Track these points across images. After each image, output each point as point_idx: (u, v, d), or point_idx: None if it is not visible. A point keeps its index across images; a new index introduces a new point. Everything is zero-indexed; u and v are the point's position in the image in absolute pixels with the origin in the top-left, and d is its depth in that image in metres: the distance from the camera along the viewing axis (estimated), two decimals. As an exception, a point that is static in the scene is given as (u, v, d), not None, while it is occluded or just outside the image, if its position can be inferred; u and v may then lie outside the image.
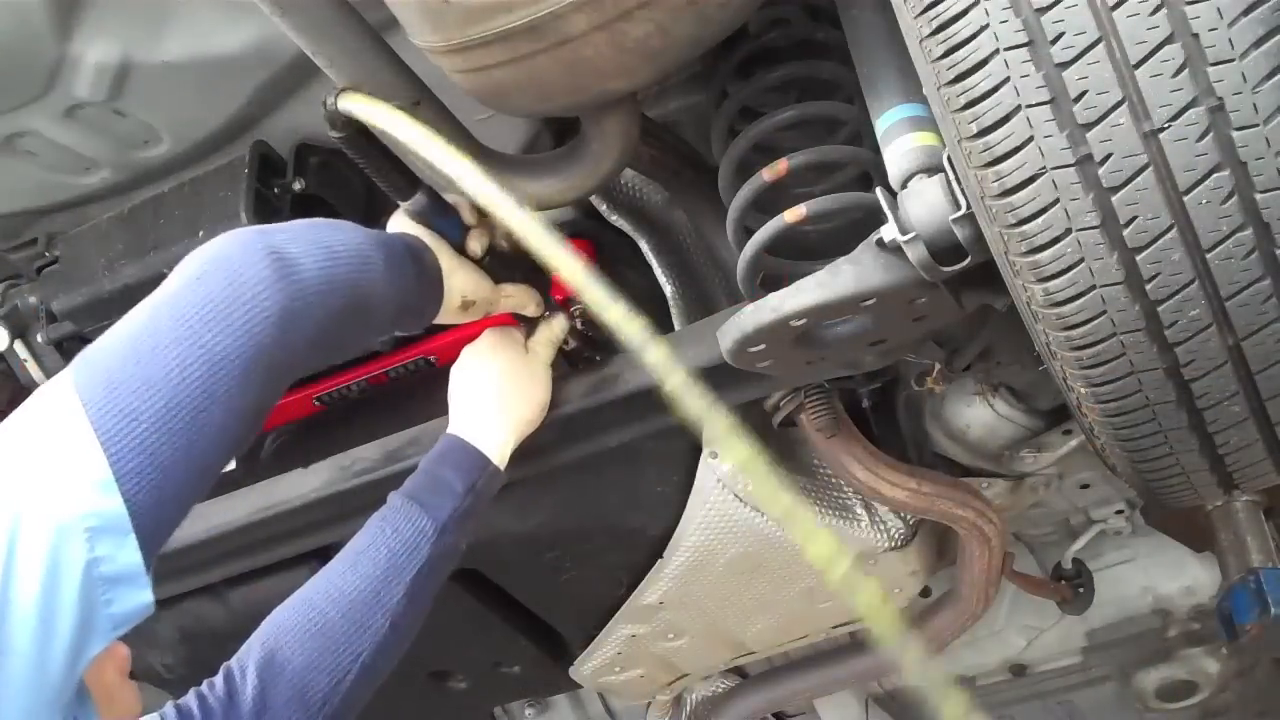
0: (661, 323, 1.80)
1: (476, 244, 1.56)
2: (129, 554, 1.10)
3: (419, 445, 1.76)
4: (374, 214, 1.82)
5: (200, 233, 1.64)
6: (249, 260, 1.27)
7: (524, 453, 1.77)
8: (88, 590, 1.07)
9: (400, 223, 1.54)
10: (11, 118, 1.56)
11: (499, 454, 1.61)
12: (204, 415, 1.19)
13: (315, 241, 1.33)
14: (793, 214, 1.38)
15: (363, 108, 1.37)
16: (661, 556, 1.98)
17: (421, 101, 1.42)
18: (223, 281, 1.24)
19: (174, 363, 1.18)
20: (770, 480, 1.28)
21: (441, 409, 1.71)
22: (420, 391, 1.97)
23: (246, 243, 1.29)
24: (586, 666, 2.23)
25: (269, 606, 1.67)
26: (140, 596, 1.11)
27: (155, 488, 1.13)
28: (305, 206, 1.70)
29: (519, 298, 1.64)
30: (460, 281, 1.53)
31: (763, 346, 1.44)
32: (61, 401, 1.13)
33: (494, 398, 1.63)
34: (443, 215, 1.53)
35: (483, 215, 1.56)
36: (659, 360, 1.22)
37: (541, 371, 1.68)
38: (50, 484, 1.08)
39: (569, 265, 1.23)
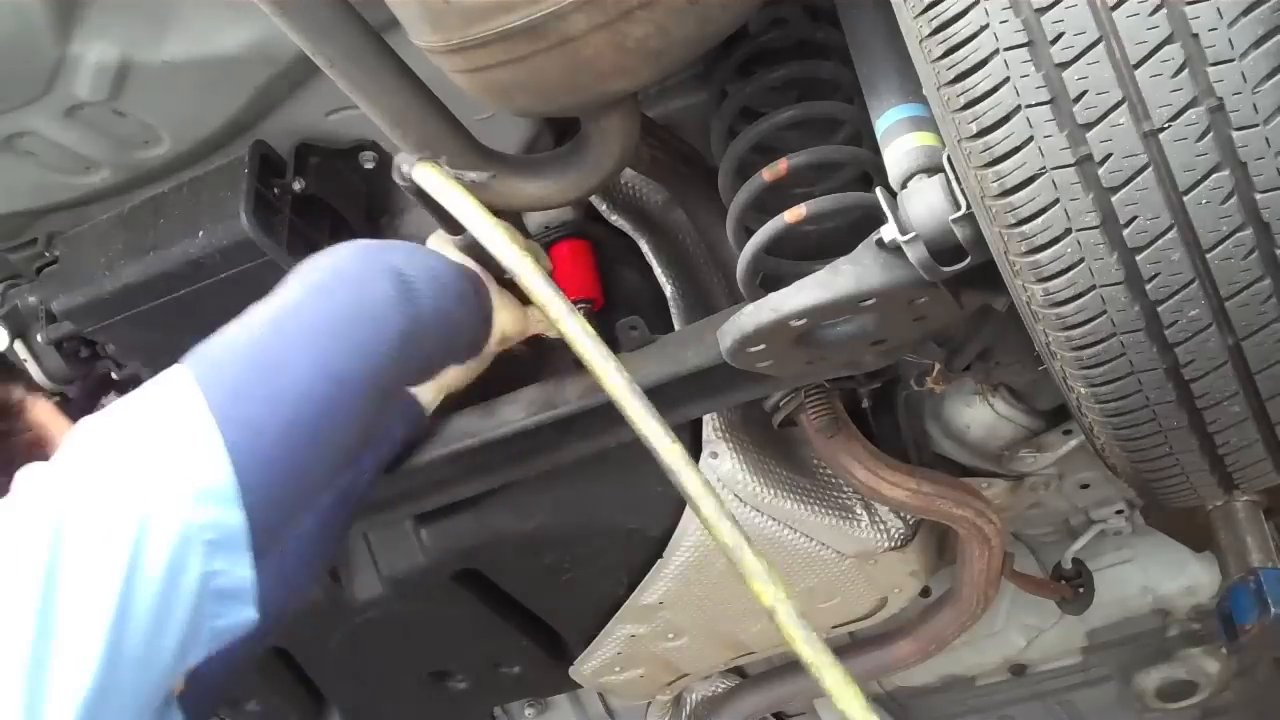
0: (661, 323, 1.80)
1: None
2: (243, 570, 1.08)
3: (425, 443, 1.75)
4: (374, 214, 1.83)
5: (200, 233, 1.64)
6: (373, 278, 1.25)
7: (524, 452, 1.77)
8: (199, 603, 1.05)
9: (444, 248, 1.52)
10: (11, 118, 1.56)
11: None
12: (323, 432, 1.17)
13: (427, 267, 1.32)
14: (793, 214, 1.39)
15: (433, 183, 1.35)
16: (661, 556, 1.98)
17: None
18: (348, 297, 1.23)
19: (300, 375, 1.16)
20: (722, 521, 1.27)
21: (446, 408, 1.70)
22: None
23: (370, 258, 1.27)
24: (586, 666, 2.23)
25: None
26: (246, 613, 1.10)
27: (274, 504, 1.11)
28: (305, 206, 1.70)
29: (546, 321, 1.64)
30: (504, 319, 1.53)
31: (763, 346, 1.44)
32: (187, 403, 1.10)
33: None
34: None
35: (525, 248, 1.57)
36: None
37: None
38: (176, 491, 1.05)
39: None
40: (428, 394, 1.50)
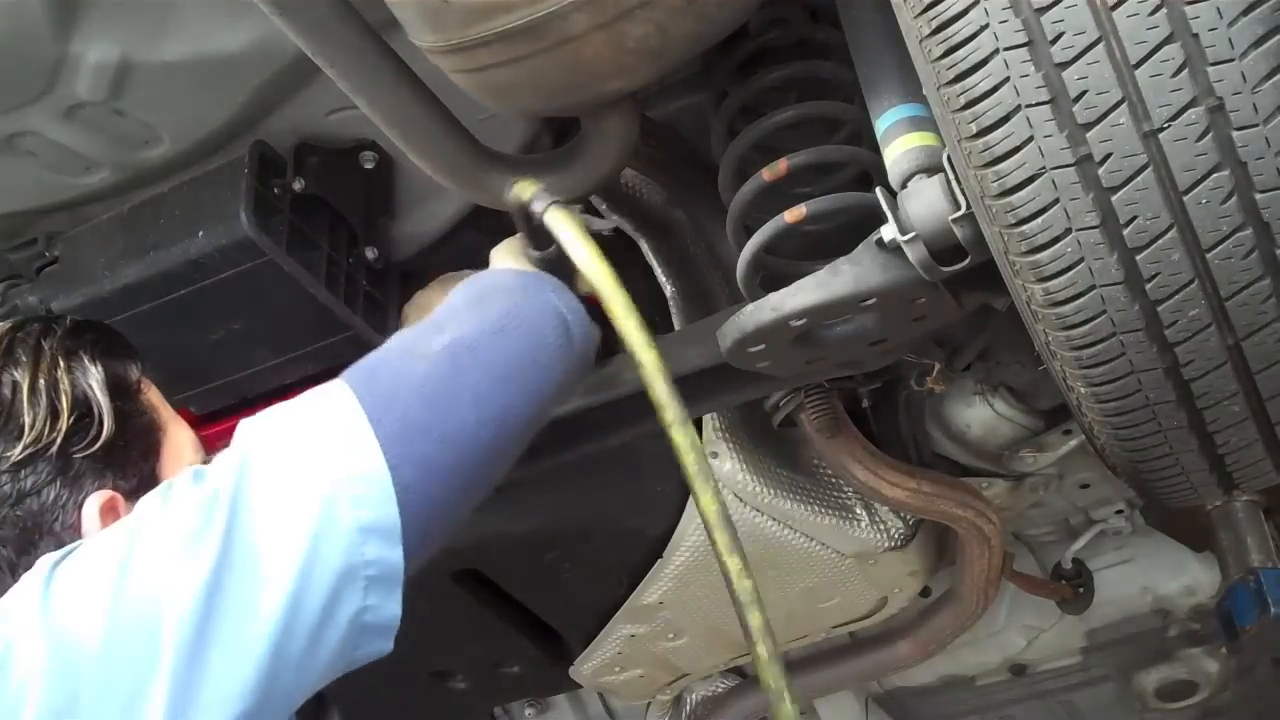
0: (661, 322, 1.80)
1: (582, 290, 1.57)
2: (392, 606, 1.08)
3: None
4: (373, 215, 1.82)
5: (200, 233, 1.64)
6: (545, 322, 1.25)
7: (525, 452, 1.77)
8: (348, 636, 1.06)
9: (518, 260, 1.51)
10: (11, 118, 1.56)
11: None
12: (480, 472, 1.16)
13: (577, 309, 1.32)
14: (793, 214, 1.39)
15: (563, 232, 1.34)
16: (661, 556, 1.98)
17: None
18: (525, 342, 1.21)
19: (471, 419, 1.14)
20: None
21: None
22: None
23: (541, 300, 1.26)
24: (586, 666, 2.23)
25: None
26: (383, 645, 1.10)
27: (424, 541, 1.11)
28: (305, 206, 1.70)
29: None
30: None
31: (763, 346, 1.44)
32: (355, 433, 1.08)
33: None
34: (563, 263, 1.54)
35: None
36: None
37: None
38: (345, 524, 1.04)
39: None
40: None
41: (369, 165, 1.75)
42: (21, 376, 1.27)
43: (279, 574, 1.01)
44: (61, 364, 1.29)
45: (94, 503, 1.24)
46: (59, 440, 1.24)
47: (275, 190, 1.67)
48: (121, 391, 1.33)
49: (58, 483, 1.24)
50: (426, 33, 1.30)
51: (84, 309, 1.73)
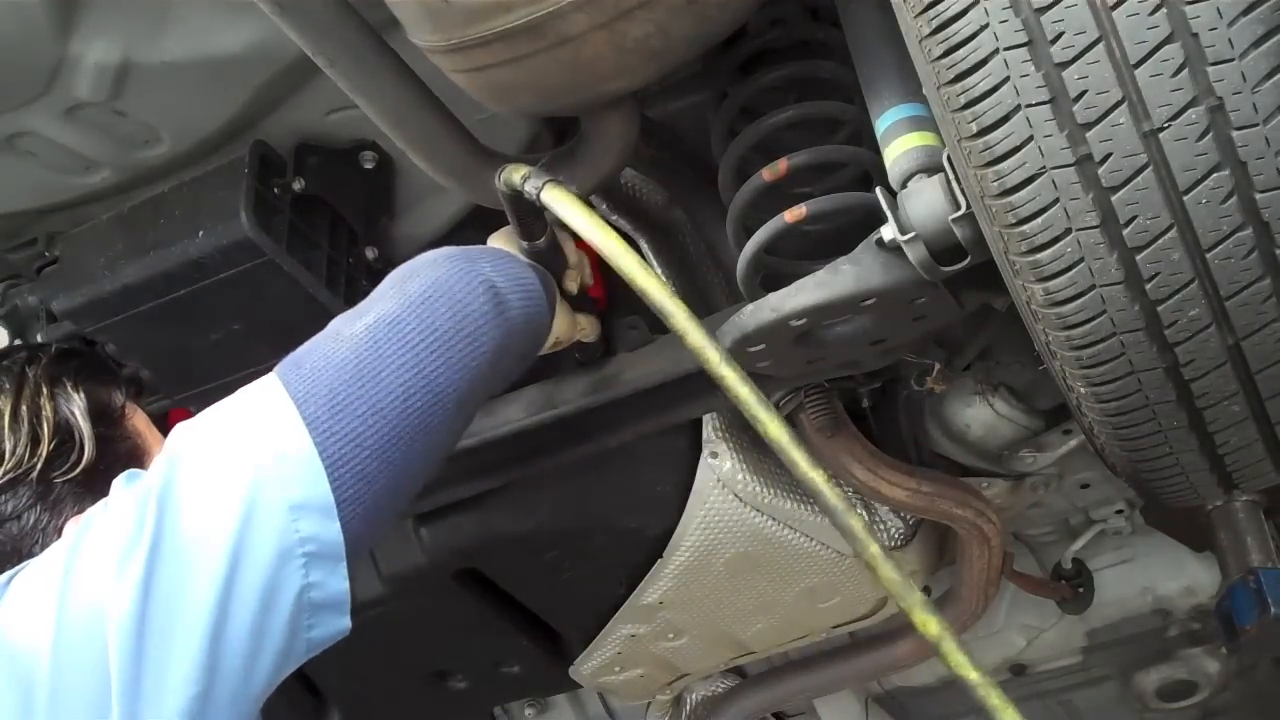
0: (662, 323, 1.79)
1: (574, 283, 1.59)
2: (338, 581, 1.09)
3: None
4: (373, 215, 1.82)
5: (200, 233, 1.64)
6: (471, 291, 1.25)
7: (524, 452, 1.77)
8: (296, 615, 1.06)
9: (508, 248, 1.52)
10: (11, 118, 1.56)
11: None
12: (417, 445, 1.17)
13: (515, 278, 1.32)
14: (793, 214, 1.39)
15: (563, 205, 1.36)
16: (661, 556, 1.98)
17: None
18: (446, 311, 1.22)
19: (399, 390, 1.15)
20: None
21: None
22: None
23: (466, 271, 1.26)
24: (586, 666, 2.23)
25: None
26: (340, 623, 1.10)
27: (367, 516, 1.11)
28: (305, 206, 1.70)
29: (589, 329, 1.67)
30: (558, 323, 1.54)
31: (763, 346, 1.44)
32: (281, 418, 1.10)
33: None
34: (554, 253, 1.55)
35: (579, 255, 1.59)
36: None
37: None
38: (274, 505, 1.05)
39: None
40: None
41: (369, 165, 1.75)
42: (4, 403, 1.32)
43: (209, 560, 1.02)
44: (44, 391, 1.34)
45: (73, 526, 1.25)
46: (39, 465, 1.28)
47: (275, 190, 1.67)
48: (104, 417, 1.37)
49: (38, 507, 1.27)
50: (426, 32, 1.30)
51: (84, 309, 1.74)
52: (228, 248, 1.63)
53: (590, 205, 1.37)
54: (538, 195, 1.38)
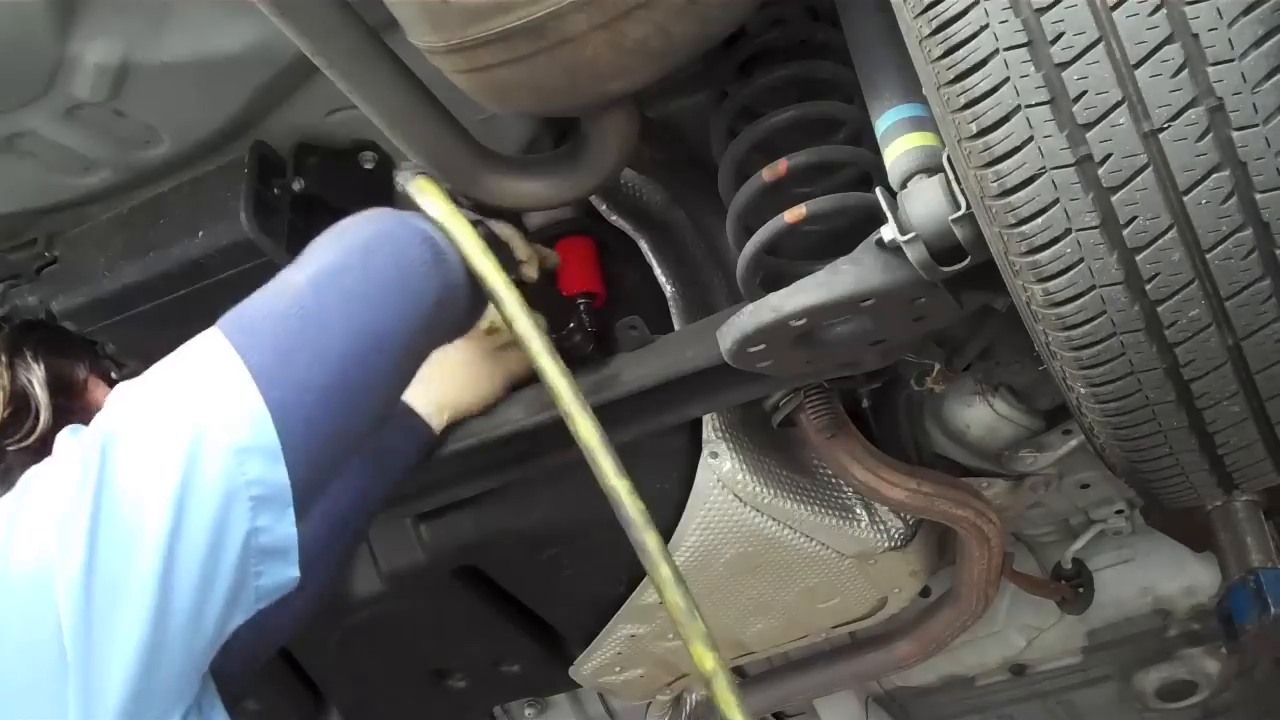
0: (661, 323, 1.80)
1: (531, 269, 1.60)
2: (285, 526, 1.09)
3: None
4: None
5: (200, 233, 1.64)
6: (411, 242, 1.26)
7: (525, 451, 1.77)
8: (244, 559, 1.06)
9: None
10: (11, 118, 1.56)
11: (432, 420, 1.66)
12: (361, 394, 1.18)
13: (452, 234, 1.34)
14: (793, 214, 1.39)
15: (422, 196, 1.39)
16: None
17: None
18: (388, 260, 1.23)
19: (340, 338, 1.16)
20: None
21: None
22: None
23: (405, 223, 1.28)
24: (586, 666, 2.22)
25: None
26: (288, 571, 1.10)
27: (313, 463, 1.12)
28: (305, 206, 1.70)
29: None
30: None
31: (763, 346, 1.44)
32: (223, 363, 1.10)
33: (432, 378, 1.63)
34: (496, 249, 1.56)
35: (529, 248, 1.61)
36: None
37: (488, 369, 1.70)
38: (218, 448, 1.05)
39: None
40: (436, 417, 1.59)
41: (369, 165, 1.75)
42: None
43: (154, 506, 1.02)
44: (3, 360, 1.34)
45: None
46: None
47: (275, 190, 1.67)
48: (65, 389, 1.39)
49: None
50: (426, 33, 1.30)
51: (84, 309, 1.74)
52: (228, 248, 1.63)
53: (453, 199, 1.40)
54: (404, 187, 1.41)
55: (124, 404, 1.10)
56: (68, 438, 1.11)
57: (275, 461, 1.08)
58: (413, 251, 1.26)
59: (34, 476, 1.09)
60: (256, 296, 1.21)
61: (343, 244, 1.25)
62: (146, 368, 1.85)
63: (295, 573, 1.10)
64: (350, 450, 1.22)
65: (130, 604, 1.01)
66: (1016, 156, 1.05)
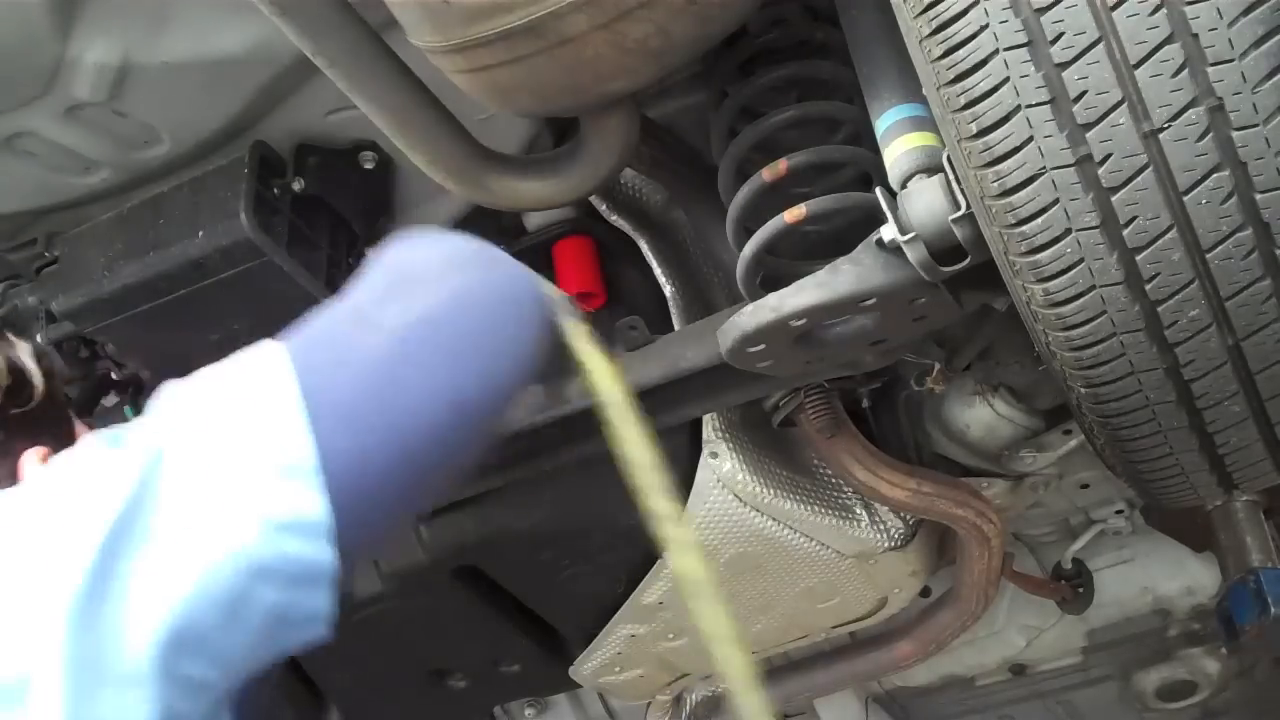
0: (661, 323, 1.80)
1: None
2: (319, 600, 0.97)
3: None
4: (373, 216, 1.83)
5: (200, 233, 1.64)
6: (523, 297, 1.11)
7: (525, 451, 1.77)
8: (265, 628, 0.95)
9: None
10: (11, 118, 1.56)
11: None
12: (431, 461, 1.01)
13: (552, 296, 1.20)
14: (792, 214, 1.39)
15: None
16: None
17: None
18: (495, 318, 1.07)
19: (424, 403, 0.99)
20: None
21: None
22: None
23: (516, 274, 1.11)
24: (586, 666, 2.22)
25: None
26: (316, 632, 0.99)
27: (362, 542, 0.98)
28: (305, 206, 1.70)
29: None
30: None
31: (763, 346, 1.44)
32: (285, 414, 0.95)
33: None
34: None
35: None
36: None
37: None
38: (257, 521, 0.92)
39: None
40: None
41: (369, 165, 1.75)
42: None
43: (174, 562, 0.91)
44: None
45: (32, 455, 1.25)
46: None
47: (275, 190, 1.67)
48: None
49: None
50: (426, 33, 1.30)
51: (84, 309, 1.74)
52: (228, 248, 1.63)
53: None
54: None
55: (172, 432, 0.97)
56: (103, 444, 0.98)
57: (319, 538, 0.94)
58: (525, 309, 1.11)
59: (56, 473, 0.98)
60: (337, 323, 1.04)
61: (452, 289, 1.06)
62: (146, 368, 1.86)
63: (323, 632, 0.99)
64: (410, 514, 1.10)
65: (128, 646, 0.90)
66: (1016, 156, 1.05)
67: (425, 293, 1.05)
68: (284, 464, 0.95)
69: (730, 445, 1.85)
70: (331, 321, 1.04)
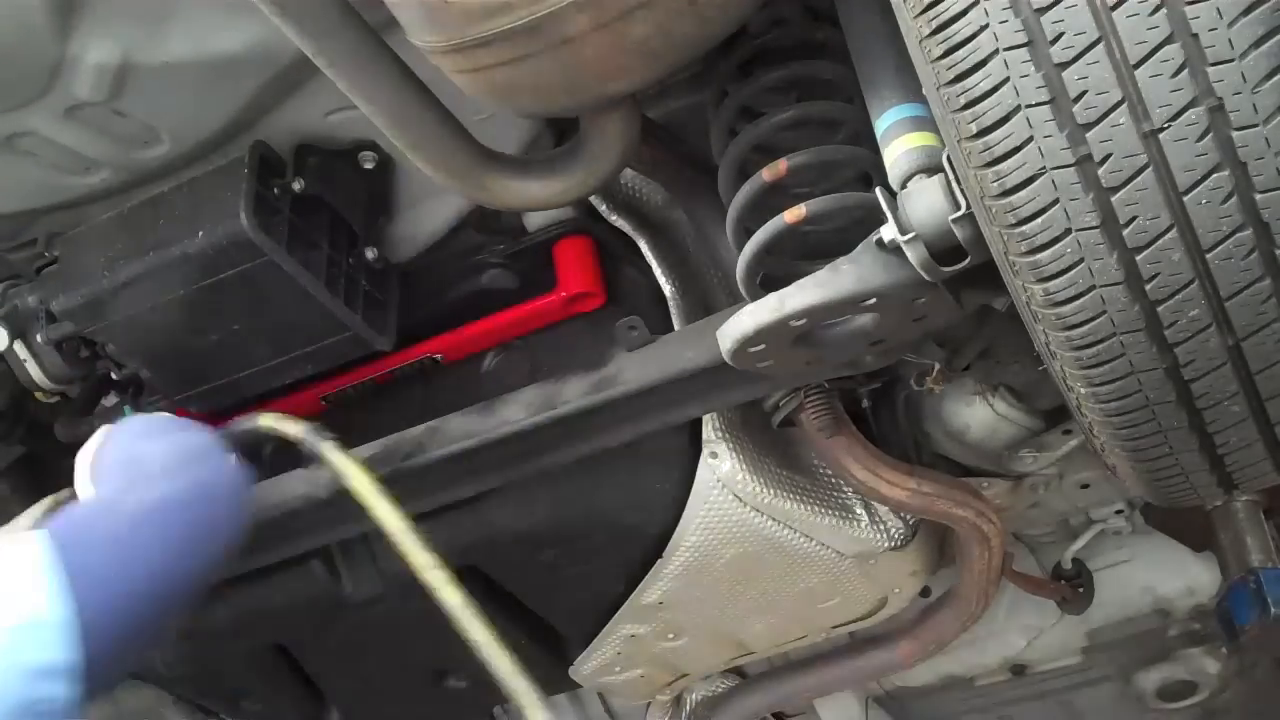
0: (661, 323, 1.80)
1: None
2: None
3: (426, 444, 1.76)
4: (373, 215, 1.83)
5: (200, 233, 1.64)
6: (230, 492, 1.43)
7: (524, 452, 1.77)
8: None
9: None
10: (11, 118, 1.56)
11: None
12: (160, 620, 1.33)
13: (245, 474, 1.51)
14: (792, 214, 1.39)
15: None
16: (661, 556, 1.98)
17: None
18: (201, 514, 1.38)
19: (158, 572, 1.31)
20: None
21: (448, 407, 1.70)
22: (423, 390, 1.97)
23: (227, 468, 1.44)
24: (586, 666, 2.23)
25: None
26: None
27: (107, 679, 1.24)
28: (305, 206, 1.70)
29: None
30: None
31: (763, 346, 1.44)
32: (41, 579, 1.19)
33: None
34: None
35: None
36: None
37: None
38: (17, 669, 1.14)
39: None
40: None
41: (369, 165, 1.76)
42: None
43: None
44: None
45: None
46: None
47: (275, 190, 1.67)
48: None
49: None
50: (426, 33, 1.30)
51: (84, 309, 1.74)
52: (228, 248, 1.63)
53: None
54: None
55: None
56: None
57: (74, 682, 1.16)
58: (226, 505, 1.42)
59: None
60: (90, 512, 1.36)
61: (172, 480, 1.37)
62: (146, 368, 1.86)
63: None
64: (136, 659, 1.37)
65: None
66: (1016, 156, 1.05)
67: (156, 488, 1.36)
68: (40, 620, 1.17)
69: (730, 445, 1.85)
70: (85, 510, 1.37)
